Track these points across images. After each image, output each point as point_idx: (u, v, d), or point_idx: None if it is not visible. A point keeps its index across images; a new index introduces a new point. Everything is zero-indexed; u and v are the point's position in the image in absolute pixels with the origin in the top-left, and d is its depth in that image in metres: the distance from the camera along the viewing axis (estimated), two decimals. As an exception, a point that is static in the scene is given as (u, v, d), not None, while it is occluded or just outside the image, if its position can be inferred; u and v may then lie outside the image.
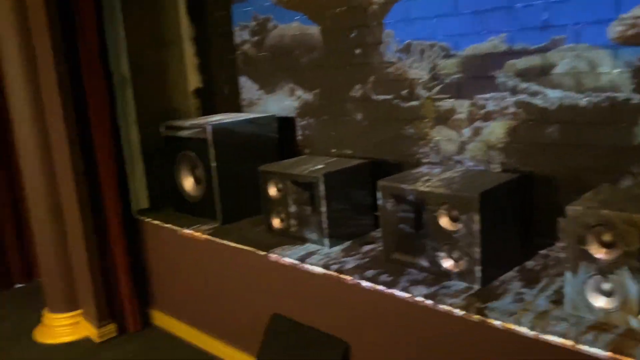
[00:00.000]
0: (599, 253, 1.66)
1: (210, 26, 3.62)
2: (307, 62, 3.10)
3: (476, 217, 1.93)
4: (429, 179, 2.18)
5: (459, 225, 1.99)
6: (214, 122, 2.92)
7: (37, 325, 3.47)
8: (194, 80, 3.70)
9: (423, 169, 2.40)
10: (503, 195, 2.07)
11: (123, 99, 3.29)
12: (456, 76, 2.48)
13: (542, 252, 2.23)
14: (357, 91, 2.89)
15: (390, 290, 2.06)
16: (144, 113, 3.37)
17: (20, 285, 4.26)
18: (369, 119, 2.86)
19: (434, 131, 2.60)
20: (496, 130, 2.38)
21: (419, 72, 2.61)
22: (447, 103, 2.53)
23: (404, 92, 2.68)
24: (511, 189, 2.10)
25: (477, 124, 2.44)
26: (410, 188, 2.11)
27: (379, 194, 2.22)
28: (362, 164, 2.60)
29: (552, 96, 2.21)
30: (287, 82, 3.24)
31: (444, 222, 2.04)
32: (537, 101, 2.25)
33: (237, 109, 3.56)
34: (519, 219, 2.19)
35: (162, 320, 3.38)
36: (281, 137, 3.18)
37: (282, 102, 3.26)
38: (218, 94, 3.70)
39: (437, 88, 2.56)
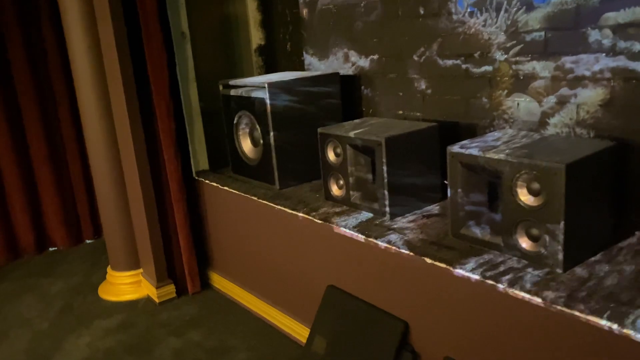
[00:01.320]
0: None
1: (273, -22, 3.41)
2: (363, 24, 2.83)
3: (561, 191, 1.66)
4: (506, 145, 1.91)
5: (540, 200, 1.73)
6: (272, 81, 2.75)
7: (102, 282, 3.54)
8: (256, 37, 3.53)
9: (499, 133, 2.12)
10: (594, 167, 1.76)
11: (182, 56, 3.17)
12: (538, 34, 2.15)
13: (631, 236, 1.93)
14: (420, 56, 2.61)
15: (456, 270, 1.84)
16: (204, 71, 3.24)
17: (90, 241, 4.38)
18: (433, 88, 2.59)
19: (509, 100, 2.29)
20: (588, 101, 2.06)
21: (494, 30, 2.29)
22: (527, 66, 2.21)
23: (476, 54, 2.38)
24: (604, 160, 1.80)
25: (563, 91, 2.11)
26: (484, 156, 1.85)
27: (448, 163, 1.98)
28: (429, 127, 2.34)
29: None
30: (341, 47, 3.02)
31: (523, 195, 1.78)
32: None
33: (301, 67, 3.37)
34: (612, 195, 1.88)
35: (220, 282, 3.34)
36: (344, 97, 2.96)
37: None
38: (280, 51, 3.52)
39: (516, 49, 2.23)
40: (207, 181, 3.19)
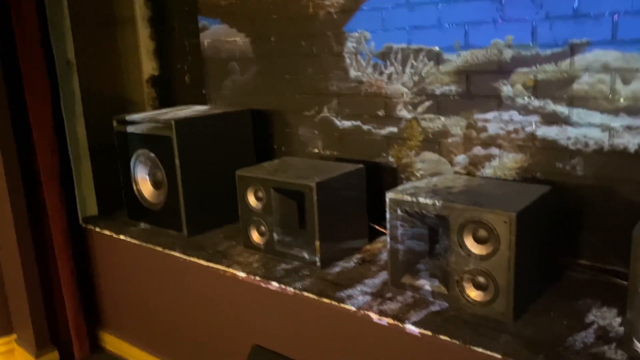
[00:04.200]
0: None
1: (168, 4, 3.16)
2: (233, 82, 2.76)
3: (511, 239, 1.62)
4: (449, 189, 1.85)
5: (488, 248, 1.67)
6: (179, 117, 2.49)
7: (-38, 353, 2.95)
8: (148, 67, 3.23)
9: (438, 177, 2.07)
10: (537, 213, 1.76)
11: (68, 87, 2.78)
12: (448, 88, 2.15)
13: (571, 273, 1.96)
14: (315, 116, 2.55)
15: (402, 325, 1.71)
16: (93, 103, 2.88)
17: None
18: (331, 149, 2.52)
19: (418, 160, 2.28)
20: (504, 164, 2.09)
21: (399, 87, 2.27)
22: (437, 123, 2.20)
23: (380, 112, 2.34)
24: (544, 205, 1.80)
25: (476, 150, 2.13)
26: (428, 202, 1.77)
27: (387, 209, 1.87)
28: (357, 169, 2.24)
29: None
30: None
31: (469, 243, 1.71)
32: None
33: (202, 100, 3.12)
34: (550, 238, 1.90)
35: (114, 344, 2.93)
36: (257, 135, 2.78)
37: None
38: (178, 83, 3.25)
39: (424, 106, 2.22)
40: (97, 229, 2.80)
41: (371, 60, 2.35)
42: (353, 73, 2.42)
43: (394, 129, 2.35)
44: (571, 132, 1.92)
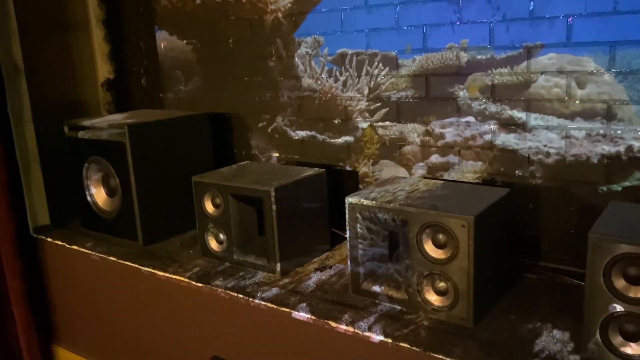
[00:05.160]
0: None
1: (123, 6, 3.06)
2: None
3: (470, 243, 1.60)
4: (408, 194, 1.82)
5: (448, 252, 1.65)
6: (132, 122, 2.40)
7: None
8: (103, 70, 3.12)
9: (398, 182, 2.04)
10: (496, 215, 1.75)
11: (15, 93, 2.66)
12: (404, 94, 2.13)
13: (528, 275, 1.96)
14: (267, 127, 2.52)
15: (362, 333, 1.68)
16: (42, 109, 2.76)
17: None
18: (291, 153, 2.50)
19: (376, 169, 2.25)
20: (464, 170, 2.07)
21: (355, 94, 2.23)
22: (394, 130, 2.18)
23: (336, 121, 2.31)
24: (502, 207, 1.79)
25: (434, 158, 2.11)
26: (388, 207, 1.74)
27: (347, 214, 1.83)
28: (317, 174, 2.19)
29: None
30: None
31: (428, 247, 1.69)
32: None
33: (160, 104, 3.04)
34: (509, 241, 1.89)
35: (68, 358, 2.81)
36: (217, 139, 2.71)
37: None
38: (135, 86, 3.16)
39: (382, 112, 2.19)
40: (49, 239, 2.68)
41: (325, 67, 2.31)
42: (307, 80, 2.38)
43: (350, 138, 2.31)
44: (529, 137, 1.92)
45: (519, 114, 1.93)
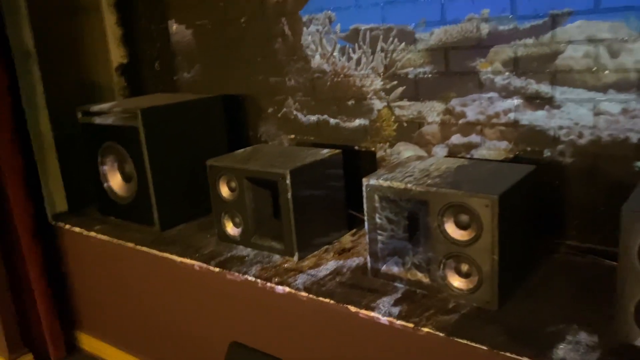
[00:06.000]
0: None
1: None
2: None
3: (494, 224, 1.53)
4: (428, 173, 1.75)
5: (471, 234, 1.59)
6: (145, 106, 2.36)
7: None
8: (117, 55, 3.08)
9: (418, 161, 1.96)
10: (521, 194, 1.67)
11: (28, 80, 2.64)
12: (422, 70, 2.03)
13: (555, 255, 1.88)
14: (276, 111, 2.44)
15: (383, 317, 1.63)
16: (56, 95, 2.73)
17: None
18: (307, 135, 2.43)
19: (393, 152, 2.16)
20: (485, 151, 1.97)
21: (369, 71, 2.13)
22: (412, 110, 2.07)
23: (350, 102, 2.21)
24: (528, 186, 1.71)
25: (455, 138, 2.00)
26: (406, 187, 1.68)
27: (364, 196, 1.77)
28: (332, 155, 2.13)
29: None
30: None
31: (450, 229, 1.63)
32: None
33: (173, 88, 3.00)
34: (534, 220, 1.81)
35: (91, 344, 2.83)
36: (230, 122, 2.66)
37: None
38: (147, 70, 3.11)
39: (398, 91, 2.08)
40: (67, 226, 2.67)
41: (337, 45, 2.22)
42: (317, 60, 2.29)
43: (365, 121, 2.22)
44: (555, 112, 1.83)
45: (545, 88, 1.83)
